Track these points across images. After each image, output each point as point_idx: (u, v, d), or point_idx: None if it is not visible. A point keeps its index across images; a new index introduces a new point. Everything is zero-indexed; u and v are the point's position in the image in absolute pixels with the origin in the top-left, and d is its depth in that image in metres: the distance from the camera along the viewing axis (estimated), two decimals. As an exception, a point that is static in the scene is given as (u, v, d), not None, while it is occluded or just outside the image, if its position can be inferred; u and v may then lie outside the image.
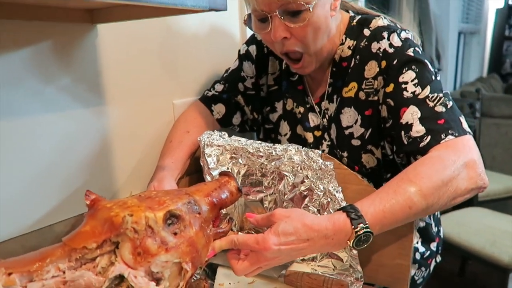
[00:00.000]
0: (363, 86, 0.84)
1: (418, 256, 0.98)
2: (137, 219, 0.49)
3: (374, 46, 0.82)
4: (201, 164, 0.84)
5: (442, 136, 0.71)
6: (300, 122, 0.96)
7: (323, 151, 0.92)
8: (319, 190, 0.76)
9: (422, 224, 0.99)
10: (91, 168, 0.84)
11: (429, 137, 0.72)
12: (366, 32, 0.85)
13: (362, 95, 0.85)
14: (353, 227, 0.60)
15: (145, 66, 0.92)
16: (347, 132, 0.88)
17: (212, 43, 1.10)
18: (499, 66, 5.07)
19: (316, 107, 0.94)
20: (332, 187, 0.75)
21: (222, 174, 0.66)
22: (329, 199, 0.75)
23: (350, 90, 0.87)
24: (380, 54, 0.81)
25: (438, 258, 1.06)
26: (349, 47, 0.87)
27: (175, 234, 0.52)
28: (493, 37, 4.90)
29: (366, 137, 0.86)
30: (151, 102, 0.95)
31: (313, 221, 0.61)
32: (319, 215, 0.77)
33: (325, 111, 0.93)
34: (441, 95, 0.75)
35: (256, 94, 1.03)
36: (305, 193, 0.78)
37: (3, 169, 0.68)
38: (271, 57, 1.00)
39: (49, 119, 0.75)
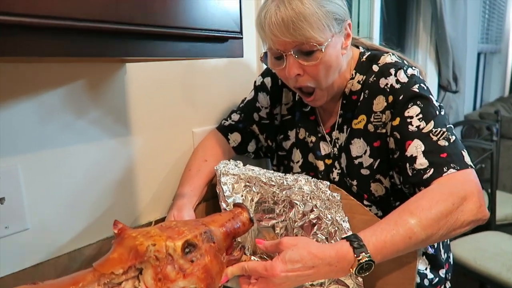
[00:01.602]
0: (372, 119, 0.89)
1: (426, 282, 1.00)
2: (159, 248, 0.56)
3: (382, 82, 0.87)
4: (217, 191, 0.90)
5: (444, 169, 0.75)
6: (312, 151, 1.01)
7: (333, 178, 0.97)
8: (327, 219, 0.81)
9: (431, 250, 1.02)
10: (117, 194, 0.91)
11: (432, 170, 0.76)
12: (375, 68, 0.90)
13: (370, 127, 0.89)
14: (355, 255, 0.64)
15: (167, 98, 1.00)
16: (356, 161, 0.92)
17: (229, 74, 1.17)
18: (521, 85, 4.98)
19: (327, 136, 0.99)
20: (339, 216, 0.80)
21: (236, 205, 0.72)
22: (336, 228, 0.80)
23: (359, 122, 0.91)
24: (388, 90, 0.86)
25: (448, 285, 1.08)
26: (358, 82, 0.92)
27: (192, 261, 0.58)
28: (515, 56, 4.83)
29: (375, 167, 0.90)
30: (172, 131, 1.03)
31: (318, 250, 0.65)
32: (327, 242, 0.81)
33: (336, 140, 0.97)
34: (444, 129, 0.79)
35: (270, 123, 1.08)
36: (314, 221, 0.82)
37: (38, 196, 0.76)
38: (284, 89, 1.06)
39: (80, 149, 0.83)
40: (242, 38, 0.64)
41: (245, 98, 1.11)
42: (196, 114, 1.09)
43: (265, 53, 0.90)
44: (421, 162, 0.77)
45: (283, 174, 0.87)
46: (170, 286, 0.54)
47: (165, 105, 1.00)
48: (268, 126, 1.08)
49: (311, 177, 0.84)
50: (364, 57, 0.94)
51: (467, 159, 0.77)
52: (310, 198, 0.82)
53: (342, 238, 0.68)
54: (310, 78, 0.86)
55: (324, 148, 1.00)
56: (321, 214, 0.81)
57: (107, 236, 0.86)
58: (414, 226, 0.67)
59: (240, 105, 1.11)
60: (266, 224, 0.88)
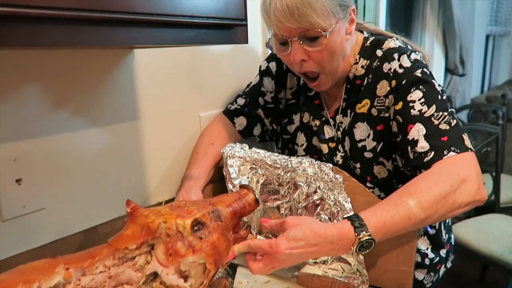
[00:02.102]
0: (375, 103, 0.91)
1: (427, 261, 1.03)
2: (169, 225, 0.59)
3: (386, 67, 0.89)
4: (224, 173, 0.94)
5: (445, 152, 0.77)
6: (316, 134, 1.03)
7: (337, 161, 0.99)
8: (330, 200, 0.84)
9: (432, 231, 1.05)
10: (127, 176, 0.94)
11: (432, 153, 0.78)
12: (379, 52, 0.92)
13: (374, 111, 0.91)
14: (356, 234, 0.67)
15: (174, 83, 1.02)
16: (360, 145, 0.95)
17: (235, 60, 1.19)
18: (530, 68, 4.91)
19: (331, 120, 1.01)
20: (341, 197, 0.83)
21: (242, 187, 0.75)
22: (339, 209, 0.83)
23: (363, 106, 0.93)
24: (391, 74, 0.87)
25: (449, 264, 1.11)
26: (362, 67, 0.94)
27: (201, 238, 0.61)
28: (525, 38, 4.75)
29: (378, 150, 0.93)
30: (180, 116, 1.05)
31: (320, 228, 0.68)
32: (329, 222, 0.84)
33: (339, 124, 0.99)
34: (446, 113, 0.81)
35: (275, 107, 1.10)
36: (317, 202, 0.85)
37: (52, 177, 0.79)
38: (289, 73, 1.07)
39: (91, 133, 0.86)
40: (246, 25, 0.66)
41: (251, 82, 1.13)
42: (203, 98, 1.11)
43: (270, 39, 0.91)
44: (422, 145, 0.79)
45: (288, 156, 0.90)
46: (180, 260, 0.58)
47: (172, 90, 1.02)
48: (273, 110, 1.11)
49: (314, 160, 0.87)
50: (368, 42, 0.95)
51: (467, 142, 0.79)
52: (313, 180, 0.85)
53: (344, 218, 0.71)
54: (314, 63, 0.87)
55: (328, 132, 1.02)
56: (324, 195, 0.84)
57: (119, 216, 0.90)
58: (413, 207, 0.70)
59: (246, 90, 1.13)
60: (271, 205, 0.91)
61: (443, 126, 0.80)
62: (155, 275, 0.59)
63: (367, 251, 0.69)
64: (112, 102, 0.89)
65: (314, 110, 1.04)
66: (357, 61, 0.95)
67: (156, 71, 0.97)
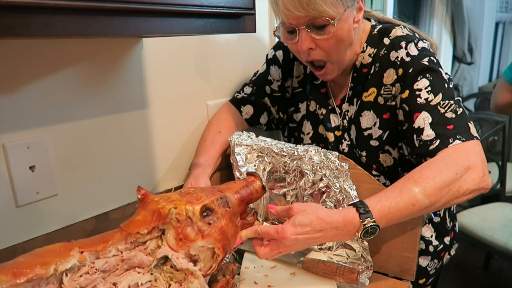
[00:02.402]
0: (382, 92, 0.91)
1: (431, 249, 1.05)
2: (179, 211, 0.61)
3: (393, 55, 0.89)
4: (231, 161, 0.95)
5: (450, 141, 0.78)
6: (322, 123, 1.04)
7: (343, 150, 1.00)
8: (335, 187, 0.85)
9: (437, 219, 1.06)
10: (137, 163, 0.96)
11: (438, 141, 0.79)
12: (386, 41, 0.92)
13: (380, 99, 0.92)
14: (361, 220, 0.69)
15: (182, 72, 1.03)
16: (366, 133, 0.95)
17: (242, 48, 1.20)
18: (541, 56, 4.85)
19: (337, 108, 1.02)
20: (347, 185, 0.84)
21: (249, 174, 0.76)
22: (344, 196, 0.84)
23: (369, 95, 0.94)
24: (398, 63, 0.88)
25: (452, 252, 1.12)
26: (369, 55, 0.94)
27: (209, 224, 0.63)
28: (536, 26, 4.68)
29: (384, 138, 0.94)
30: (187, 104, 1.07)
31: (326, 214, 0.70)
32: (335, 209, 0.86)
33: (346, 112, 1.00)
34: (452, 102, 0.82)
35: (282, 96, 1.11)
36: (323, 189, 0.87)
37: (65, 164, 0.81)
38: (296, 62, 1.08)
39: (100, 121, 0.87)
40: (254, 14, 0.66)
41: (257, 71, 1.14)
42: (210, 87, 1.12)
43: (278, 27, 0.91)
44: (428, 133, 0.80)
45: (294, 145, 0.91)
46: (190, 245, 0.60)
47: (180, 79, 1.03)
48: (280, 99, 1.11)
49: (320, 148, 0.88)
50: (375, 30, 0.95)
51: (473, 130, 0.80)
52: (319, 167, 0.87)
53: (349, 205, 0.73)
54: (322, 52, 0.87)
55: (334, 120, 1.02)
56: (330, 182, 0.86)
57: (129, 202, 0.92)
58: (418, 194, 0.71)
59: (252, 78, 1.13)
60: (277, 192, 0.93)
61: (449, 115, 0.80)
62: (165, 259, 0.61)
63: (372, 237, 0.71)
64: (122, 90, 0.90)
65: (321, 98, 1.04)
66: (364, 49, 0.95)
67: (164, 60, 0.98)
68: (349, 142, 1.00)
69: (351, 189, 0.83)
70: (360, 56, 0.95)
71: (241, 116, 1.10)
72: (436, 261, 1.06)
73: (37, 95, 0.75)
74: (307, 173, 0.88)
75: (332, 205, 0.86)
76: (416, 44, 0.87)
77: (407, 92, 0.86)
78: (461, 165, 0.73)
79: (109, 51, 0.86)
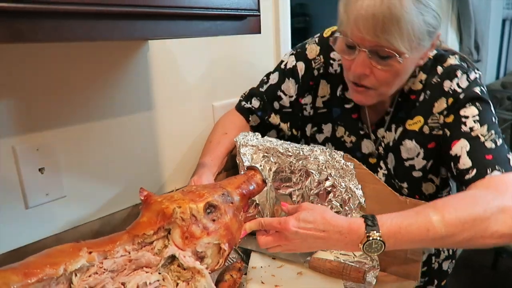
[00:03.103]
0: (429, 121, 0.86)
1: (451, 251, 1.05)
2: (183, 210, 0.61)
3: (446, 84, 0.83)
4: (237, 161, 0.96)
5: (488, 171, 0.72)
6: (350, 151, 0.96)
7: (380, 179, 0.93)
8: (341, 187, 0.85)
9: None
10: (143, 165, 0.97)
11: (474, 171, 0.74)
12: (439, 69, 0.86)
13: (426, 129, 0.87)
14: (366, 232, 0.66)
15: (188, 74, 1.04)
16: (407, 164, 0.90)
17: (247, 48, 1.20)
18: (548, 53, 4.80)
19: (372, 135, 0.95)
20: (352, 184, 0.84)
21: (249, 168, 0.77)
22: (350, 195, 0.84)
23: (414, 123, 0.88)
24: (450, 92, 0.83)
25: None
26: (420, 81, 0.87)
27: (214, 220, 0.64)
28: (543, 22, 4.64)
29: (428, 167, 0.90)
30: (194, 105, 1.07)
31: (332, 217, 0.69)
32: (341, 209, 0.86)
33: (382, 139, 0.93)
34: (493, 132, 0.77)
35: (293, 112, 1.02)
36: (329, 189, 0.87)
37: (73, 167, 0.82)
38: (322, 80, 0.99)
39: (107, 124, 0.88)
40: (259, 15, 0.67)
41: (268, 75, 1.05)
42: (216, 88, 1.13)
43: (337, 37, 0.82)
44: (464, 162, 0.76)
45: (300, 145, 0.92)
46: (196, 242, 0.61)
47: (186, 80, 1.04)
48: (292, 115, 1.03)
49: (326, 148, 0.88)
50: (431, 55, 0.88)
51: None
52: (325, 167, 0.87)
53: (360, 216, 0.70)
54: (375, 81, 0.80)
55: (367, 146, 0.95)
56: (335, 182, 0.86)
57: (135, 204, 0.93)
58: (435, 220, 0.65)
59: (261, 89, 1.04)
60: (283, 192, 0.93)
61: (489, 144, 0.76)
62: (172, 258, 0.61)
63: (376, 254, 0.67)
64: (128, 92, 0.91)
65: (351, 125, 0.96)
66: (416, 74, 0.87)
67: (170, 62, 0.99)
68: (386, 172, 0.94)
69: (357, 188, 0.84)
70: (410, 81, 0.87)
71: (248, 123, 1.06)
72: (453, 261, 1.06)
73: (45, 98, 0.76)
74: (312, 173, 0.88)
75: (338, 204, 0.86)
76: (469, 75, 0.83)
77: (452, 117, 0.81)
78: (493, 203, 0.66)
79: (115, 53, 0.87)
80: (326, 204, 0.87)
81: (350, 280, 0.77)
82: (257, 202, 0.91)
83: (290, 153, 0.91)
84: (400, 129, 0.90)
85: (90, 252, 0.57)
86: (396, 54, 0.73)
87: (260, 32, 0.70)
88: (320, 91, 1.00)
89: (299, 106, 1.02)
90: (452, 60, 0.86)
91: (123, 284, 0.58)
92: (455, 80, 0.82)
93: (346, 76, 0.86)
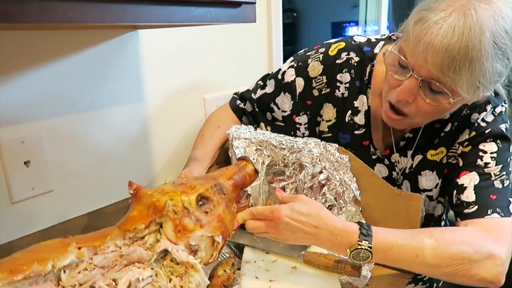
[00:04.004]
0: (450, 152, 0.83)
1: None
2: (175, 202, 0.59)
3: (474, 117, 0.80)
4: (230, 155, 0.94)
5: (489, 212, 0.72)
6: None
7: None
8: (335, 180, 0.84)
9: None
10: (132, 158, 0.95)
11: (476, 207, 0.73)
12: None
13: (445, 159, 0.84)
14: (358, 239, 0.65)
15: (179, 65, 1.02)
16: (424, 194, 0.85)
17: (239, 40, 1.18)
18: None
19: (385, 160, 0.90)
20: (347, 177, 0.83)
21: (240, 159, 0.76)
22: (344, 188, 0.84)
23: (437, 154, 0.84)
24: (475, 125, 0.80)
25: None
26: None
27: (206, 213, 0.62)
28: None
29: (440, 193, 0.88)
30: (184, 98, 1.05)
31: (328, 216, 0.68)
32: (335, 202, 0.85)
33: (395, 163, 0.89)
34: (505, 173, 0.76)
35: (286, 127, 0.97)
36: (323, 182, 0.86)
37: (60, 160, 0.80)
38: (327, 104, 0.92)
39: (95, 115, 0.86)
40: (255, 3, 0.65)
41: (265, 80, 0.99)
42: (208, 80, 1.11)
43: (392, 52, 0.74)
44: (469, 195, 0.75)
45: (293, 137, 0.90)
46: (189, 236, 0.59)
47: (177, 72, 1.02)
48: (283, 130, 0.96)
49: (320, 140, 0.87)
50: None
51: (511, 207, 0.74)
52: (319, 160, 0.86)
53: (356, 222, 0.69)
54: (414, 109, 0.73)
55: (381, 171, 0.90)
56: (330, 175, 0.85)
57: (124, 198, 0.91)
58: (427, 248, 0.66)
59: (255, 94, 0.99)
60: (277, 185, 0.91)
61: (497, 184, 0.75)
62: (165, 252, 0.59)
63: (360, 263, 0.67)
64: (117, 83, 0.89)
65: (362, 151, 0.89)
66: None
67: (161, 53, 0.97)
68: None
69: (352, 182, 0.83)
70: None
71: (241, 122, 1.03)
72: None
73: (31, 89, 0.73)
74: (306, 166, 0.87)
75: (333, 197, 0.85)
76: (495, 108, 0.80)
77: (469, 147, 0.79)
78: (485, 248, 0.66)
79: (104, 43, 0.84)
80: (320, 197, 0.86)
81: (345, 274, 0.76)
82: (249, 192, 0.90)
83: (283, 146, 0.89)
84: (419, 158, 0.86)
85: (80, 248, 0.55)
86: (450, 94, 0.68)
87: (255, 21, 0.69)
88: (326, 115, 0.92)
89: (293, 123, 0.96)
90: None
91: (114, 280, 0.56)
92: (483, 114, 0.79)
93: (386, 94, 0.78)
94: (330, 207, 0.86)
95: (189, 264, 0.59)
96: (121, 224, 0.61)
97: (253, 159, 0.92)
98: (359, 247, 0.65)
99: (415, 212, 0.76)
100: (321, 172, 0.86)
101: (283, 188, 0.91)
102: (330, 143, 0.86)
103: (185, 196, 0.61)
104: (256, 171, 0.75)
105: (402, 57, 0.70)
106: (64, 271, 0.52)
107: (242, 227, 0.73)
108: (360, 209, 0.84)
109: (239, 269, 0.80)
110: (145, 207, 0.61)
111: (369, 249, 0.65)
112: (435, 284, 1.05)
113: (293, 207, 0.68)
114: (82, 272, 0.54)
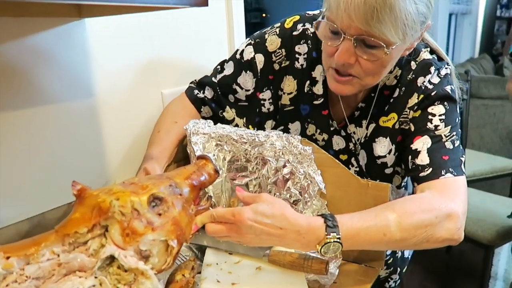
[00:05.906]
0: (401, 117, 0.85)
1: None
2: (123, 203, 0.53)
3: (420, 80, 0.82)
4: (188, 151, 0.88)
5: (442, 173, 0.74)
6: (323, 149, 0.87)
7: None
8: (300, 173, 0.80)
9: None
10: (83, 158, 0.87)
11: (430, 170, 0.75)
12: (413, 65, 0.84)
13: (397, 125, 0.85)
14: (326, 233, 0.64)
15: (133, 58, 0.95)
16: (379, 161, 0.88)
17: (198, 31, 1.12)
18: (490, 46, 5.09)
19: (342, 131, 0.91)
20: (311, 170, 0.79)
21: (199, 157, 0.70)
22: (309, 182, 0.80)
23: (388, 120, 0.86)
24: (422, 88, 0.81)
25: None
26: (395, 77, 0.85)
27: (160, 215, 0.56)
28: (485, 17, 4.90)
29: (395, 161, 0.89)
30: (141, 93, 0.98)
31: (292, 215, 0.64)
32: (300, 197, 0.81)
33: (352, 134, 0.90)
34: (455, 133, 0.78)
35: (250, 106, 0.95)
36: (287, 176, 0.82)
37: (1, 161, 0.72)
38: (288, 76, 0.91)
39: (40, 112, 0.78)
40: (204, -18, 0.60)
41: (223, 64, 0.96)
42: (165, 74, 1.04)
43: (321, 21, 0.75)
44: (423, 158, 0.77)
45: (255, 131, 0.86)
46: (139, 240, 0.53)
47: (131, 65, 0.95)
48: (248, 110, 0.95)
49: (282, 133, 0.83)
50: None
51: (463, 165, 0.77)
52: (282, 153, 0.82)
53: (318, 215, 0.67)
54: (359, 70, 0.75)
55: (338, 143, 0.92)
56: (293, 169, 0.81)
57: (71, 201, 0.83)
58: (392, 225, 0.67)
59: (215, 78, 0.95)
60: (239, 182, 0.87)
61: (448, 145, 0.77)
62: (111, 258, 0.53)
63: (332, 255, 0.66)
64: (63, 78, 0.82)
65: (322, 122, 0.91)
66: (392, 69, 0.84)
67: (110, 43, 0.90)
68: (357, 169, 0.92)
69: (316, 174, 0.79)
70: (386, 76, 0.84)
71: (199, 114, 0.97)
72: None
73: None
74: (269, 160, 0.82)
75: (297, 192, 0.81)
76: (440, 71, 0.82)
77: (419, 112, 0.81)
78: (444, 210, 0.69)
79: (45, 33, 0.77)
80: (284, 192, 0.82)
81: (312, 272, 0.72)
82: (211, 194, 0.85)
83: (244, 140, 0.84)
84: (372, 126, 0.88)
85: (8, 258, 0.48)
86: (384, 45, 0.69)
87: (207, 5, 0.64)
88: (286, 87, 0.92)
89: (257, 100, 0.94)
90: (425, 54, 0.84)
91: (50, 292, 0.49)
92: (428, 77, 0.81)
93: (326, 63, 0.80)
94: (295, 202, 0.82)
95: (139, 271, 0.53)
96: (60, 227, 0.54)
97: (213, 155, 0.87)
98: (328, 240, 0.64)
99: (383, 202, 0.73)
100: (284, 166, 0.81)
101: (247, 185, 0.87)
102: (293, 135, 0.82)
103: (135, 196, 0.55)
104: (217, 171, 0.69)
105: (332, 24, 0.72)
106: (-12, 285, 0.46)
107: (204, 228, 0.67)
108: (326, 202, 0.80)
109: (199, 273, 0.75)
110: (89, 209, 0.54)
111: (338, 240, 0.64)
112: (398, 269, 1.04)
113: (256, 208, 0.64)
114: (10, 285, 0.48)
